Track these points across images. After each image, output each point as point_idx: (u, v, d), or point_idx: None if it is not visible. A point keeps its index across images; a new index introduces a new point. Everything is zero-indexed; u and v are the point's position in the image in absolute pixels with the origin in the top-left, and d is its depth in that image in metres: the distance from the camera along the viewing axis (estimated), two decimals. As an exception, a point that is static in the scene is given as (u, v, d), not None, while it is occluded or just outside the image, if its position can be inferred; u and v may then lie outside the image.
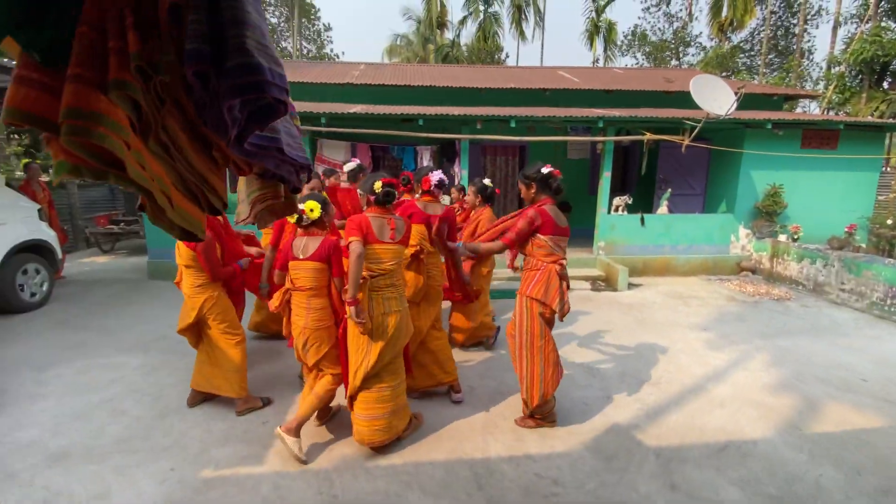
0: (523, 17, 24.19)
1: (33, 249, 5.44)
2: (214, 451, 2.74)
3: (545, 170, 2.78)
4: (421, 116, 6.45)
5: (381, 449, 2.71)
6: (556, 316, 2.79)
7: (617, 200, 7.52)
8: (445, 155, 7.34)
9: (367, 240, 2.56)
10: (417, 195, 3.45)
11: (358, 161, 4.02)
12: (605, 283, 6.73)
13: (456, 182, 7.00)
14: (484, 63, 22.63)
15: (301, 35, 26.16)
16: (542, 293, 2.73)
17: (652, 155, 7.20)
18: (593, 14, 24.92)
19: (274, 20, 26.51)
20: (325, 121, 6.41)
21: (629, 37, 28.95)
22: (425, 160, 7.23)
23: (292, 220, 2.61)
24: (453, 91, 9.02)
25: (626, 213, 7.47)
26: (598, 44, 25.36)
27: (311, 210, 2.55)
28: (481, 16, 24.04)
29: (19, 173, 8.71)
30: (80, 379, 3.63)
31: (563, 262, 2.79)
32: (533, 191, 2.83)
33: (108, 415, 3.13)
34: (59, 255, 5.93)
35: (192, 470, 2.58)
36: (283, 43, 26.02)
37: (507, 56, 26.65)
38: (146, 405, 3.26)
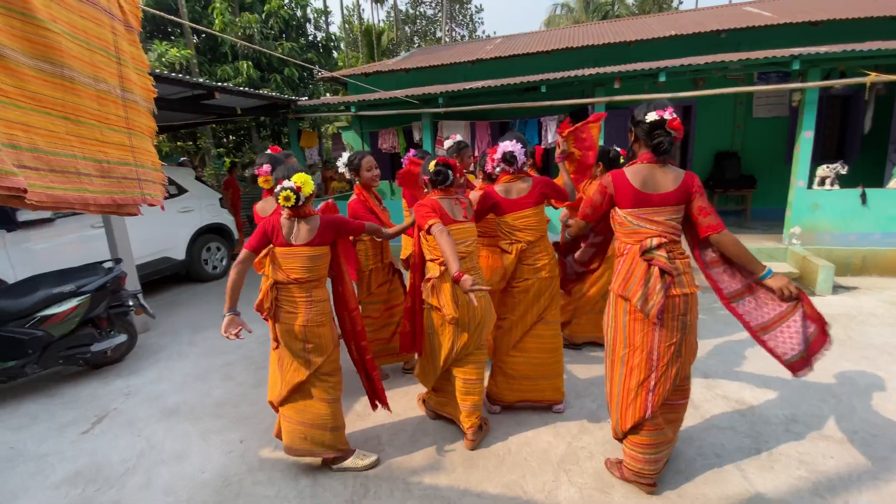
0: (706, -50, 19.84)
1: (215, 231, 6.67)
2: (281, 431, 2.80)
3: (651, 114, 1.89)
4: (542, 83, 5.67)
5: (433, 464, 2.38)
6: (648, 315, 1.93)
7: (823, 170, 5.45)
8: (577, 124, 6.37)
9: (443, 221, 2.28)
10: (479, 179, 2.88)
11: (458, 137, 3.57)
12: (799, 282, 4.97)
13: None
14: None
15: (453, 20, 26.73)
16: (622, 284, 1.99)
17: (883, 105, 4.94)
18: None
19: (431, 11, 27.69)
20: (444, 101, 6.18)
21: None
22: (551, 132, 6.42)
23: (288, 202, 2.06)
24: (594, 50, 7.80)
25: (836, 186, 5.36)
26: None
27: (304, 184, 2.07)
28: (650, -39, 20.66)
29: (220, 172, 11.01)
30: (217, 343, 4.22)
31: (659, 239, 1.92)
32: (632, 138, 2.05)
33: (220, 378, 3.52)
34: (236, 235, 7.18)
35: (256, 446, 2.67)
36: (437, 32, 27.03)
37: (681, 3, 22.45)
38: (251, 373, 3.58)
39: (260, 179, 2.73)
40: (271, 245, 2.20)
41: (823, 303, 4.43)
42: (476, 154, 6.91)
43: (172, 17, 2.62)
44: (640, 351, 2.00)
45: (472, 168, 3.70)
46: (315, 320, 2.22)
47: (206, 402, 3.17)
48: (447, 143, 3.52)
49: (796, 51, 5.04)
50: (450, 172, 2.37)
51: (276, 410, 2.44)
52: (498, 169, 2.66)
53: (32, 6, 0.82)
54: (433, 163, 2.38)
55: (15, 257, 4.20)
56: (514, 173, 2.61)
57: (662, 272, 1.91)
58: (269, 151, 2.98)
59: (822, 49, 4.90)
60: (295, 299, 2.22)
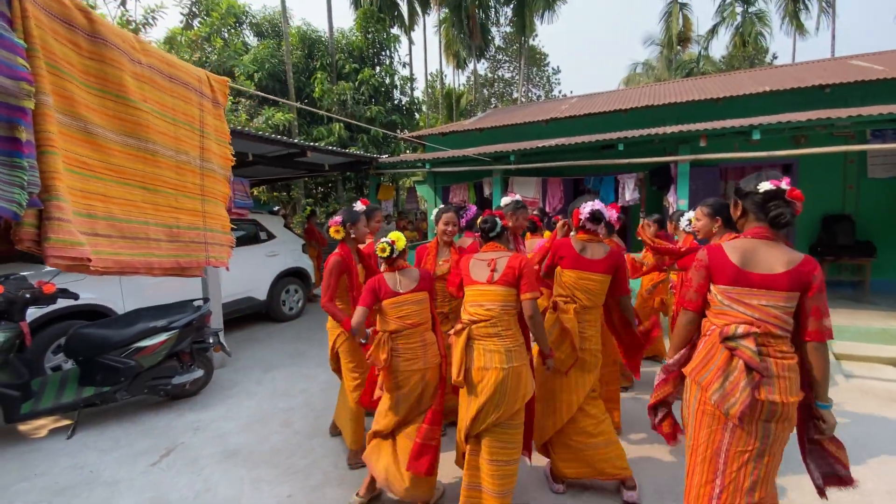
0: (801, 6, 18.99)
1: (295, 274, 7.13)
2: (329, 490, 2.72)
3: (765, 183, 1.68)
4: (620, 140, 5.53)
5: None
6: (727, 414, 1.60)
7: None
8: (656, 182, 6.07)
9: (466, 282, 2.31)
10: (573, 232, 2.75)
11: (517, 196, 3.55)
12: (942, 374, 4.06)
13: (671, 212, 5.65)
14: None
15: (530, 82, 27.76)
16: (697, 368, 1.71)
17: None
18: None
19: (509, 74, 29.08)
20: (515, 158, 6.25)
21: None
22: (629, 190, 6.15)
23: (384, 253, 2.38)
24: (676, 108, 7.54)
25: None
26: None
27: (397, 240, 2.39)
28: (738, 19, 20.15)
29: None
30: (283, 385, 4.34)
31: (748, 327, 1.60)
32: (738, 212, 1.81)
33: (280, 424, 3.57)
34: (314, 279, 7.62)
35: (303, 502, 2.60)
36: (514, 94, 28.15)
37: (776, 58, 21.34)
38: (308, 421, 3.59)
39: (331, 230, 2.89)
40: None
41: None
42: (548, 209, 6.80)
43: (280, 99, 2.96)
44: (705, 448, 1.69)
45: (528, 226, 3.63)
46: (432, 362, 2.41)
47: (264, 448, 3.20)
48: (505, 200, 3.48)
49: (924, 105, 4.43)
50: (497, 221, 2.35)
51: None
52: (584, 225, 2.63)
53: (127, 89, 0.94)
54: (482, 217, 2.41)
55: (126, 290, 4.77)
56: (592, 233, 2.59)
57: (748, 367, 1.57)
58: (359, 203, 3.30)
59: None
60: (411, 346, 2.38)
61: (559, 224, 3.01)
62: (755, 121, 5.16)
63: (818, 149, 4.55)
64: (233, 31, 13.53)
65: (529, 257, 2.84)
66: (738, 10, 21.22)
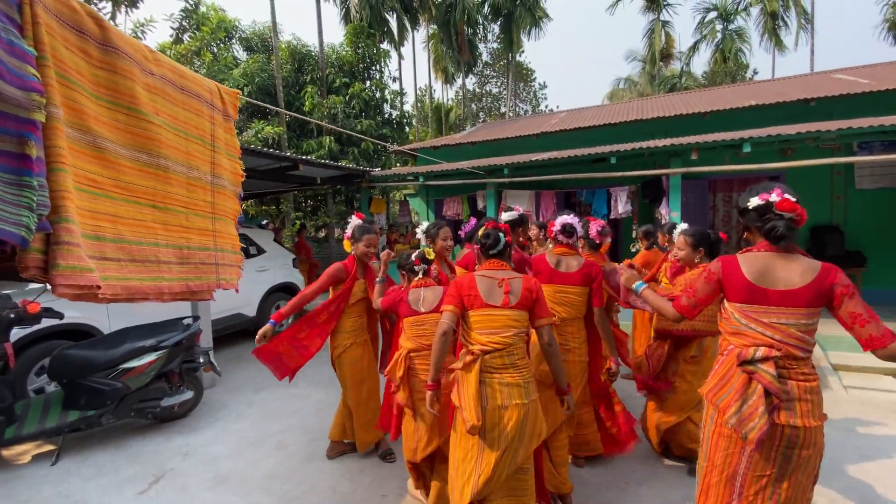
0: (780, 23, 19.69)
1: (285, 289, 6.98)
2: (327, 517, 2.60)
3: (754, 199, 1.64)
4: (612, 154, 5.58)
5: None
6: (745, 438, 1.54)
7: (957, 248, 4.65)
8: (649, 195, 6.12)
9: (473, 305, 1.96)
10: (549, 246, 2.75)
11: (520, 211, 3.52)
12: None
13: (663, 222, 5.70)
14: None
15: (517, 97, 28.19)
16: (714, 390, 1.65)
17: None
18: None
19: (496, 89, 29.51)
20: (508, 171, 6.26)
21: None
22: (621, 203, 6.19)
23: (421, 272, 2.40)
24: (664, 121, 7.67)
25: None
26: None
27: (430, 254, 2.38)
28: (718, 36, 20.79)
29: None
30: (274, 405, 4.20)
31: (767, 350, 1.52)
32: (744, 231, 1.77)
33: (273, 447, 3.43)
34: (304, 294, 7.49)
35: (301, 532, 2.47)
36: (502, 108, 28.54)
37: (756, 73, 22.02)
38: (303, 444, 3.46)
39: (346, 243, 3.01)
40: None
41: (984, 414, 3.55)
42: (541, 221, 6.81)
43: (277, 108, 2.93)
44: (720, 472, 1.63)
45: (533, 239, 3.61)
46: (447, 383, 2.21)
47: (257, 474, 3.06)
48: (506, 215, 3.44)
49: (908, 118, 4.56)
50: (500, 236, 2.03)
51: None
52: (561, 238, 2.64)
53: (139, 101, 0.88)
54: (483, 228, 2.10)
55: (112, 308, 4.59)
56: (567, 245, 2.60)
57: (767, 392, 1.51)
58: (355, 217, 3.23)
59: (941, 117, 4.39)
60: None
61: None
62: (745, 133, 5.26)
63: (808, 161, 4.65)
64: (222, 45, 13.52)
65: None
66: (718, 27, 21.93)
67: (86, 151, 0.84)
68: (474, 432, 1.83)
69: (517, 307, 1.93)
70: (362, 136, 5.56)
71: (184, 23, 9.74)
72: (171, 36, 9.86)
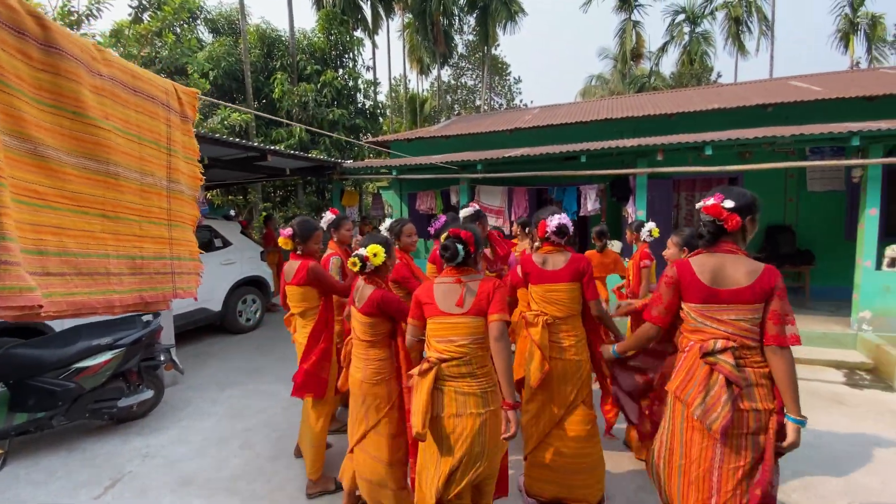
0: (743, 29, 20.47)
1: (253, 283, 6.80)
2: (294, 517, 2.57)
3: (698, 204, 1.81)
4: (583, 153, 5.69)
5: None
6: (710, 429, 1.65)
7: (893, 250, 5.01)
8: (617, 193, 6.29)
9: (430, 313, 1.92)
10: (536, 244, 2.76)
11: (475, 206, 3.51)
12: (872, 375, 4.42)
13: (629, 220, 5.87)
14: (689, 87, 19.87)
15: (492, 91, 28.24)
16: (680, 385, 1.75)
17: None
18: (847, 10, 19.31)
19: (472, 82, 29.46)
20: (482, 167, 6.28)
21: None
22: (590, 200, 6.33)
23: (354, 268, 2.20)
24: (633, 121, 7.88)
25: (912, 268, 4.89)
26: (857, 45, 19.36)
27: (375, 255, 2.16)
28: (686, 38, 21.42)
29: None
30: (241, 403, 4.10)
31: (725, 342, 1.67)
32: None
33: (239, 446, 3.36)
34: (273, 288, 7.29)
35: (267, 533, 2.44)
36: (477, 101, 28.54)
37: (720, 76, 22.86)
38: (270, 443, 3.40)
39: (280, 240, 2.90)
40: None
41: (911, 403, 3.87)
42: (513, 217, 6.88)
43: (275, 117, 2.81)
44: (698, 466, 1.71)
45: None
46: (370, 379, 2.25)
47: (222, 474, 3.00)
48: (463, 212, 3.45)
49: (855, 126, 4.85)
50: (459, 248, 1.91)
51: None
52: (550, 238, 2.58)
53: (85, 105, 0.83)
54: (444, 236, 1.98)
55: (64, 304, 4.35)
56: (556, 245, 2.56)
57: (728, 381, 1.63)
58: (329, 213, 3.35)
59: (884, 125, 4.69)
60: (357, 354, 2.31)
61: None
62: (707, 136, 5.46)
63: (764, 165, 4.88)
64: (186, 26, 12.87)
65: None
66: (686, 30, 22.59)
67: (25, 160, 0.77)
68: (421, 439, 1.84)
69: (472, 313, 1.86)
70: (328, 134, 5.41)
71: (143, 1, 9.21)
72: (130, 15, 9.30)
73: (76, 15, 7.56)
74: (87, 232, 0.87)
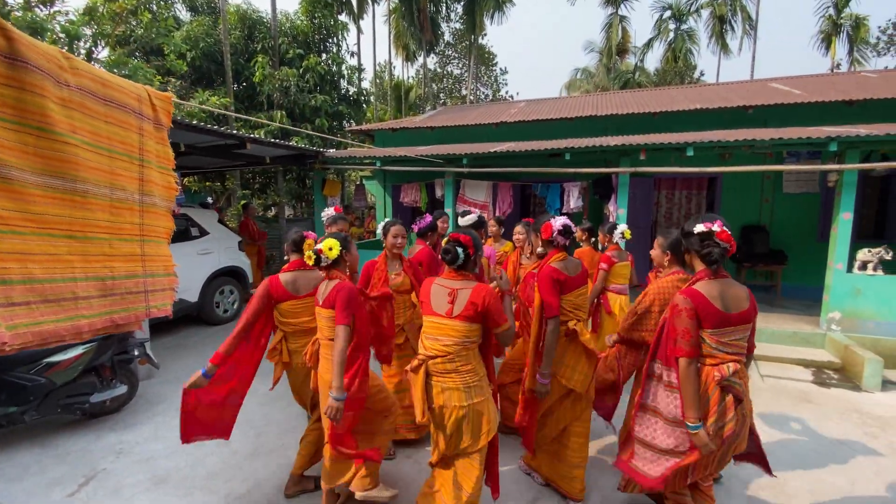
0: (727, 28, 20.74)
1: (231, 274, 6.66)
2: (273, 516, 2.56)
3: (699, 226, 1.91)
4: (567, 150, 5.70)
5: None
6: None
7: (865, 254, 5.21)
8: (599, 191, 6.34)
9: (425, 311, 2.12)
10: (540, 250, 2.76)
11: (477, 212, 3.49)
12: (840, 374, 4.62)
13: (610, 219, 5.94)
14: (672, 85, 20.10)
15: (478, 81, 28.02)
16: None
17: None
18: (830, 10, 19.72)
19: (458, 71, 29.14)
20: (467, 161, 6.25)
21: (890, 31, 21.82)
22: (573, 198, 6.38)
23: (310, 261, 2.21)
24: (618, 119, 7.93)
25: (880, 272, 5.09)
26: (839, 46, 19.84)
27: (330, 248, 2.18)
28: (671, 35, 21.59)
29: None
30: (219, 398, 4.03)
31: (735, 365, 1.87)
32: (684, 251, 2.05)
33: (216, 444, 3.29)
34: (251, 279, 7.16)
35: (245, 533, 2.42)
36: (463, 91, 28.28)
37: (703, 75, 23.16)
38: (248, 439, 3.36)
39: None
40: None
41: (871, 401, 4.06)
42: (497, 213, 6.88)
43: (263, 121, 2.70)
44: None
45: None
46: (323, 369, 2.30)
47: (199, 472, 2.95)
48: (466, 220, 3.41)
49: (833, 131, 4.98)
50: (459, 251, 2.03)
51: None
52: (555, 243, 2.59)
53: (51, 119, 0.77)
54: (445, 240, 2.12)
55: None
56: (564, 251, 2.58)
57: (737, 399, 1.85)
58: (332, 210, 3.44)
59: (863, 131, 4.83)
60: (325, 355, 2.30)
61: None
62: (689, 137, 5.54)
63: (743, 167, 4.98)
64: (162, 4, 12.33)
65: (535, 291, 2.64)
66: (672, 26, 22.76)
67: None
68: (425, 424, 2.16)
69: (460, 318, 1.98)
70: (304, 132, 5.25)
71: (117, -25, 8.74)
72: (102, -11, 8.83)
73: (46, -11, 7.15)
74: (53, 255, 0.82)
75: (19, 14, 6.56)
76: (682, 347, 1.88)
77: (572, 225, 2.58)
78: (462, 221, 3.38)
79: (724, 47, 21.88)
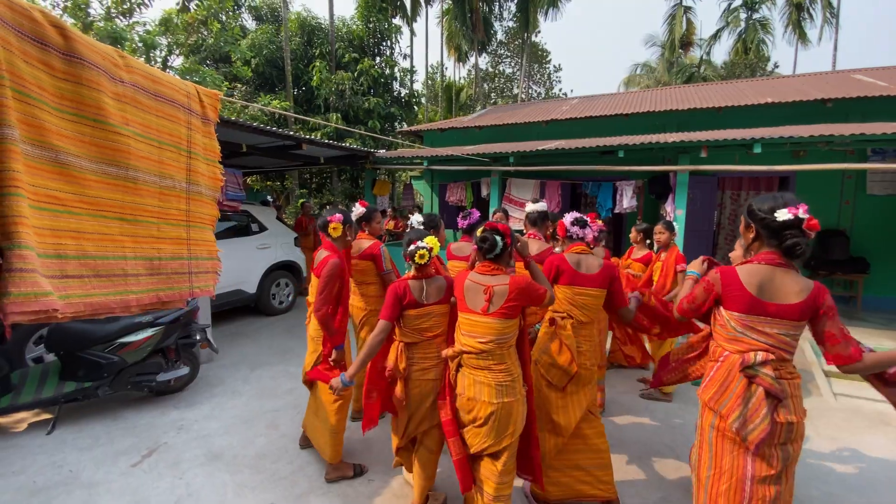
0: (804, 16, 18.99)
1: (287, 268, 7.02)
2: (313, 499, 2.66)
3: (783, 211, 1.61)
4: (620, 147, 5.47)
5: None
6: (746, 440, 1.64)
7: (964, 261, 4.57)
8: (655, 190, 6.04)
9: (460, 308, 2.09)
10: (558, 249, 2.70)
11: (544, 204, 3.36)
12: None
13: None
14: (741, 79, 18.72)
15: (531, 79, 27.58)
16: (714, 396, 1.73)
17: None
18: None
19: (510, 70, 28.85)
20: (514, 160, 6.17)
21: None
22: (626, 197, 6.11)
23: (421, 261, 2.15)
24: (677, 115, 7.51)
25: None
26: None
27: (335, 228, 2.57)
28: (741, 25, 20.11)
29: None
30: (270, 384, 4.27)
31: (766, 354, 1.63)
32: (752, 235, 1.75)
33: (266, 426, 3.50)
34: (305, 273, 7.51)
35: (287, 513, 2.54)
36: (515, 90, 27.97)
37: (777, 67, 21.37)
38: (295, 424, 3.52)
39: (330, 227, 2.71)
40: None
41: (972, 431, 3.55)
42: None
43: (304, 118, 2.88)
44: (729, 476, 1.68)
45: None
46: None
47: (249, 452, 3.13)
48: (531, 207, 3.25)
49: (925, 127, 4.43)
50: (498, 239, 1.97)
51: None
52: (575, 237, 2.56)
53: (106, 112, 0.86)
54: (481, 229, 2.06)
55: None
56: (585, 245, 2.51)
57: (768, 393, 1.61)
58: (358, 205, 3.40)
59: (961, 126, 4.25)
60: (429, 355, 2.27)
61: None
62: (756, 133, 5.13)
63: (819, 165, 4.55)
64: (231, 14, 13.26)
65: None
66: (742, 16, 21.20)
67: (46, 168, 0.82)
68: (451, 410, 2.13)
69: (497, 315, 1.95)
70: (358, 131, 5.44)
71: (191, -11, 9.55)
72: (178, 3, 9.66)
73: (129, 3, 7.92)
74: (106, 235, 0.91)
75: (101, 24, 7.28)
76: (682, 305, 1.88)
77: (584, 217, 2.57)
78: (528, 208, 3.28)
79: (802, 37, 20.06)
